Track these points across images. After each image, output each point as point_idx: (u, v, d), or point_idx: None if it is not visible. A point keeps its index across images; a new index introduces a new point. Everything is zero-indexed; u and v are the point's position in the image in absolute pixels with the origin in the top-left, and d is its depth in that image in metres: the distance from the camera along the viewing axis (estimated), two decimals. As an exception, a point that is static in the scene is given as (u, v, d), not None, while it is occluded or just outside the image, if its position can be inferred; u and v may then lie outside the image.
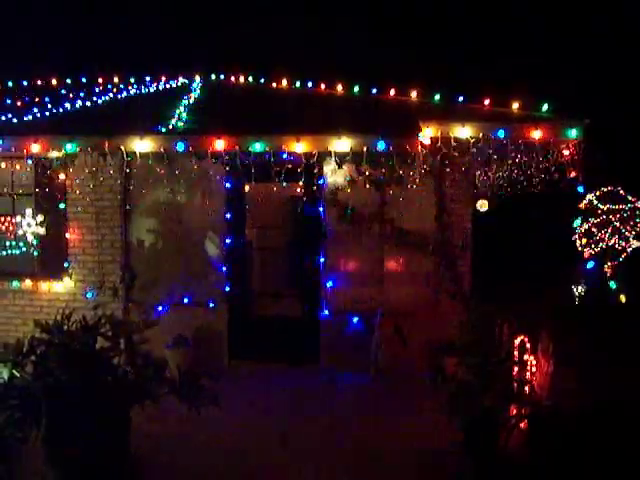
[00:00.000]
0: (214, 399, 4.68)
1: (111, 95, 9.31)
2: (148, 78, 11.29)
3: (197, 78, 10.83)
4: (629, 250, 7.86)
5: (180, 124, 7.00)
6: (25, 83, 11.23)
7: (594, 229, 8.53)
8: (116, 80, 11.39)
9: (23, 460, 4.59)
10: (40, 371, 4.42)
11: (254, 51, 15.56)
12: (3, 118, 7.44)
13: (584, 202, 8.59)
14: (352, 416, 6.23)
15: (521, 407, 5.39)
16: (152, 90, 10.27)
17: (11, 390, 4.47)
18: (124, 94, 9.68)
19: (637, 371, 5.51)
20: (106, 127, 6.91)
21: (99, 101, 8.90)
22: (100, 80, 11.50)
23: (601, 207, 8.50)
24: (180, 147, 6.40)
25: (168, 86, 10.67)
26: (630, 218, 8.00)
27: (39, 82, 11.72)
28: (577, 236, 8.81)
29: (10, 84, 11.03)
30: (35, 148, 6.80)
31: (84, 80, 11.65)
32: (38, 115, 7.75)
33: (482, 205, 10.19)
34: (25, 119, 7.50)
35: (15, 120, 7.42)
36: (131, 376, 4.71)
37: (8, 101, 9.27)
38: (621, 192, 8.14)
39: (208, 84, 10.15)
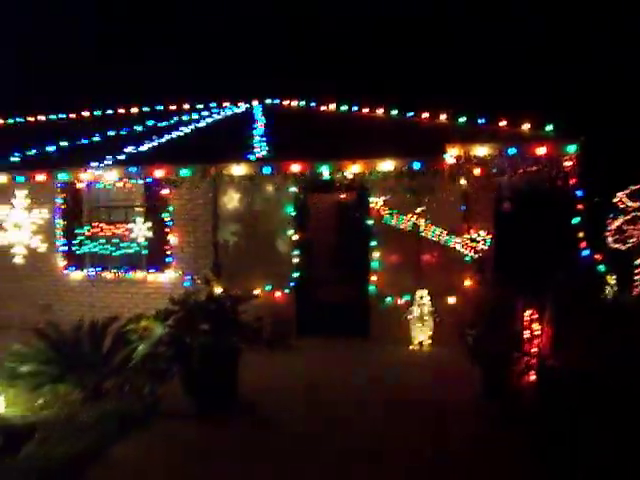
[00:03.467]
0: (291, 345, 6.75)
1: (194, 126, 11.38)
2: (213, 105, 13.42)
3: (255, 103, 12.89)
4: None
5: (264, 152, 9.05)
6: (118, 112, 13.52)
7: (625, 226, 10.07)
8: (186, 106, 13.55)
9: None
10: (186, 325, 6.50)
11: (301, 76, 17.71)
12: (129, 149, 9.60)
13: (615, 199, 10.12)
14: (394, 370, 8.16)
15: (528, 359, 7.24)
16: (222, 117, 12.29)
17: (165, 337, 6.60)
18: (203, 123, 11.73)
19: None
20: (209, 155, 9.01)
21: (187, 130, 11.02)
22: (174, 107, 13.70)
23: (631, 205, 9.99)
24: (266, 170, 8.49)
25: (233, 112, 12.71)
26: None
27: (122, 110, 14.00)
28: (608, 233, 10.37)
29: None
30: (159, 174, 8.97)
31: (160, 108, 13.89)
32: (148, 145, 9.93)
33: (507, 206, 12.14)
34: (141, 149, 9.67)
35: (135, 150, 9.60)
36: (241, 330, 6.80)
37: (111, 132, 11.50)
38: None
39: (266, 109, 12.18)
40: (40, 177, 9.79)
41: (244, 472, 5.23)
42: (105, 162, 9.35)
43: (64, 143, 10.80)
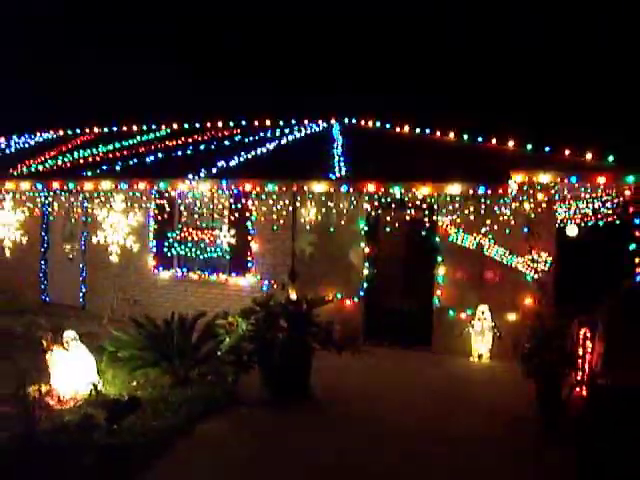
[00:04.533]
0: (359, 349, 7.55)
1: (277, 142, 12.34)
2: (294, 122, 14.37)
3: (333, 121, 13.76)
4: None
5: (343, 172, 9.90)
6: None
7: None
8: (268, 122, 14.56)
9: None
10: (269, 324, 7.40)
11: (376, 97, 18.60)
12: (220, 163, 10.66)
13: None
14: (451, 377, 8.82)
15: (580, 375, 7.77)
16: (303, 134, 13.20)
17: (248, 333, 7.52)
18: (285, 140, 12.67)
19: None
20: (292, 172, 9.94)
21: (270, 147, 11.98)
22: (256, 123, 14.75)
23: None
24: (344, 189, 9.34)
25: (312, 129, 13.61)
26: None
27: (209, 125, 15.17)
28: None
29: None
30: (247, 187, 10.01)
31: (243, 123, 14.98)
32: (237, 160, 10.96)
33: (571, 230, 12.62)
34: (231, 163, 10.70)
35: (225, 164, 10.65)
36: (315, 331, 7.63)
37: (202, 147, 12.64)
38: None
39: (344, 128, 13.03)
40: (142, 185, 10.96)
41: (306, 447, 6.14)
42: (200, 174, 10.41)
43: (160, 155, 11.98)
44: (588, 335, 8.58)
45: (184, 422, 6.68)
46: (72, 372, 7.37)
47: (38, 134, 17.25)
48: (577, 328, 8.91)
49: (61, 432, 6.21)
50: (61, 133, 17.04)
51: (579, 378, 7.85)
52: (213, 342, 7.96)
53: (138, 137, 14.95)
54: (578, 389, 7.71)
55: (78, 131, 16.92)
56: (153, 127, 16.12)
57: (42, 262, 13.44)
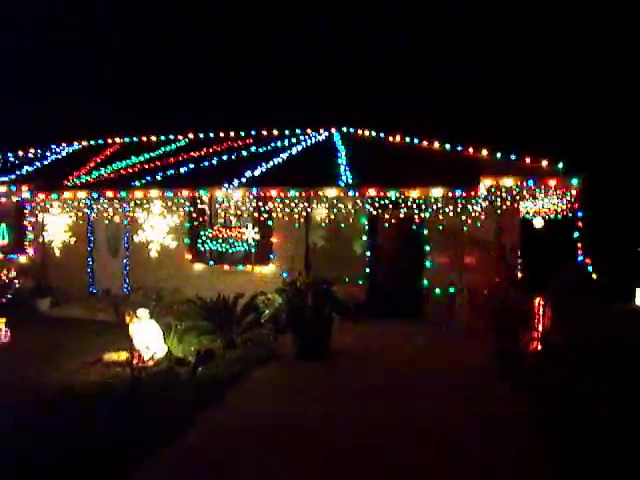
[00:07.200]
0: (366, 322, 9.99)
1: (289, 153, 14.68)
2: (299, 131, 16.72)
3: (333, 130, 16.12)
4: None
5: (349, 179, 12.28)
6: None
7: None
8: (275, 132, 16.93)
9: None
10: (299, 298, 9.81)
11: (372, 108, 21.10)
12: (247, 174, 13.03)
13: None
14: (436, 340, 11.27)
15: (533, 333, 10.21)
16: (309, 144, 15.52)
17: (282, 305, 9.94)
18: (295, 150, 14.97)
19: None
20: (308, 180, 12.32)
21: (284, 156, 14.32)
22: (265, 133, 17.11)
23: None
24: (351, 193, 11.77)
25: (316, 138, 15.94)
26: None
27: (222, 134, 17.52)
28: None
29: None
30: (273, 194, 12.40)
31: (253, 133, 17.36)
32: (261, 169, 13.32)
33: (538, 222, 15.30)
34: (256, 173, 13.08)
35: (251, 174, 13.03)
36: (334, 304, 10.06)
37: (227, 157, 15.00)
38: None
39: (344, 137, 15.38)
40: (185, 192, 13.31)
41: (327, 380, 8.61)
42: (234, 183, 12.78)
43: (192, 165, 14.35)
44: (542, 303, 11.06)
45: (241, 370, 9.08)
46: (149, 339, 9.71)
47: (63, 145, 19.58)
48: (533, 298, 11.35)
49: (156, 376, 8.66)
50: (84, 144, 19.41)
51: (534, 336, 10.34)
52: (255, 314, 10.39)
53: (162, 148, 17.27)
54: (534, 344, 10.21)
55: (101, 142, 19.28)
56: (171, 137, 18.46)
57: (89, 259, 15.73)
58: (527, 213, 15.72)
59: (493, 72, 23.82)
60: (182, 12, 30.87)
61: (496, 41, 25.16)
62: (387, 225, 12.68)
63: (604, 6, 22.95)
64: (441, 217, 12.26)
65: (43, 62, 29.10)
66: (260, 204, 13.18)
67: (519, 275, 12.41)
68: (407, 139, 14.85)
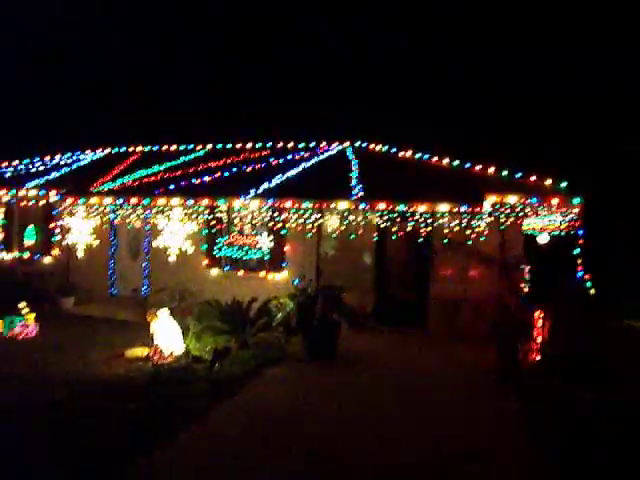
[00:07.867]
0: (373, 328, 10.59)
1: (304, 165, 15.35)
2: (313, 144, 17.41)
3: (346, 144, 16.79)
4: None
5: (360, 192, 12.91)
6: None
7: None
8: (290, 145, 17.65)
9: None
10: (309, 303, 10.44)
11: (384, 124, 21.82)
12: (264, 185, 13.72)
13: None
14: (439, 348, 11.84)
15: (532, 344, 10.77)
16: (324, 157, 16.19)
17: (293, 310, 10.57)
18: (310, 163, 15.65)
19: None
20: (321, 192, 12.98)
21: (299, 169, 14.99)
22: (280, 145, 17.84)
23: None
24: (362, 206, 12.40)
25: (330, 153, 16.60)
26: None
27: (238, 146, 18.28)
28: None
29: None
30: (288, 205, 13.07)
31: (269, 145, 18.09)
32: (276, 181, 14.00)
33: (543, 238, 15.82)
34: (272, 185, 13.76)
35: (268, 185, 13.72)
36: (343, 310, 10.68)
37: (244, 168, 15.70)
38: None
39: (356, 151, 16.04)
40: (205, 201, 14.00)
41: (334, 380, 9.19)
42: (251, 193, 13.47)
43: (212, 175, 15.07)
44: (542, 316, 11.61)
45: (254, 368, 9.72)
46: (169, 337, 10.37)
47: (88, 151, 20.46)
48: (533, 310, 11.89)
49: (175, 371, 9.31)
50: (107, 151, 20.32)
51: (533, 347, 10.89)
52: (267, 317, 11.03)
53: (182, 157, 18.03)
54: (532, 355, 10.77)
55: (122, 149, 20.17)
56: (189, 147, 19.24)
57: (111, 262, 16.46)
58: (533, 229, 16.32)
59: (501, 90, 24.52)
60: (206, 25, 31.84)
61: (503, 57, 25.98)
62: (395, 237, 13.28)
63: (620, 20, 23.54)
64: (446, 231, 12.85)
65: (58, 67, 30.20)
66: (275, 214, 13.86)
67: (522, 288, 13.00)
68: (417, 155, 15.47)
